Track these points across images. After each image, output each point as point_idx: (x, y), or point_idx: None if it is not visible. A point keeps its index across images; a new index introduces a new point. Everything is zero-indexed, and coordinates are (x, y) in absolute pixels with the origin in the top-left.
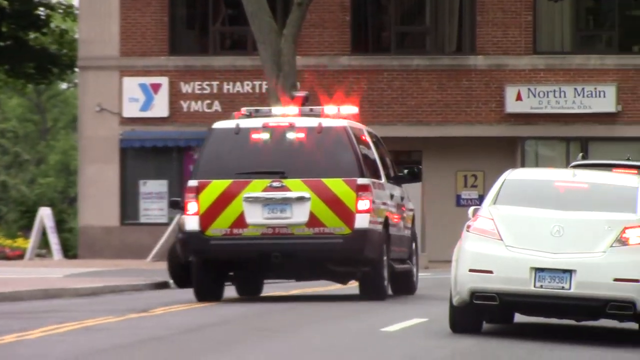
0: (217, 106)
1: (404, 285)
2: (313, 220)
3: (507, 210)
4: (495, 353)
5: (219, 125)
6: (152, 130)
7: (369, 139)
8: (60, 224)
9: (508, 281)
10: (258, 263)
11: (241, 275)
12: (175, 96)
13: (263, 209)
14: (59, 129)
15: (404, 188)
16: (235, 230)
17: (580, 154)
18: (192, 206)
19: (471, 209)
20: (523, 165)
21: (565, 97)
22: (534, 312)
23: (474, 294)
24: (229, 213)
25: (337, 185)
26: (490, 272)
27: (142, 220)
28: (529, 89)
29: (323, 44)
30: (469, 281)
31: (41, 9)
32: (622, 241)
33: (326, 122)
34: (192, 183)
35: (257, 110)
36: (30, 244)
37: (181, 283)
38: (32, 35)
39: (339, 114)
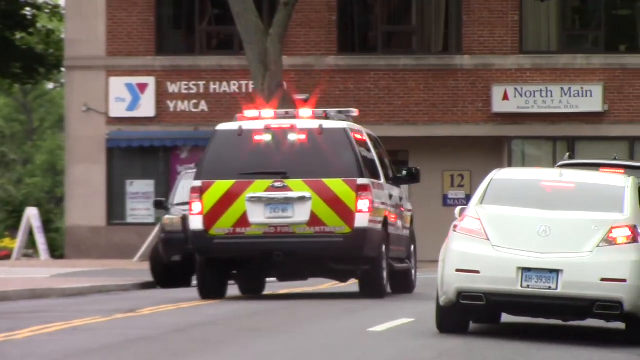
0: (203, 106)
1: (403, 284)
2: (314, 220)
3: (493, 210)
4: (482, 353)
5: (222, 127)
6: (139, 130)
7: (368, 141)
8: (47, 224)
9: (495, 281)
10: (260, 261)
11: (244, 273)
12: (161, 96)
13: (265, 208)
14: (46, 129)
15: (403, 188)
16: (238, 230)
17: (567, 154)
18: (196, 206)
19: (458, 208)
20: (510, 165)
21: (551, 96)
22: (520, 312)
23: (461, 294)
24: (232, 212)
25: (337, 186)
26: (477, 272)
27: (129, 220)
28: (515, 88)
29: (309, 44)
30: (456, 281)
31: (27, 9)
32: (609, 241)
33: (327, 124)
34: (196, 183)
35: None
36: (17, 244)
37: (164, 283)
38: (18, 35)
39: (314, 116)
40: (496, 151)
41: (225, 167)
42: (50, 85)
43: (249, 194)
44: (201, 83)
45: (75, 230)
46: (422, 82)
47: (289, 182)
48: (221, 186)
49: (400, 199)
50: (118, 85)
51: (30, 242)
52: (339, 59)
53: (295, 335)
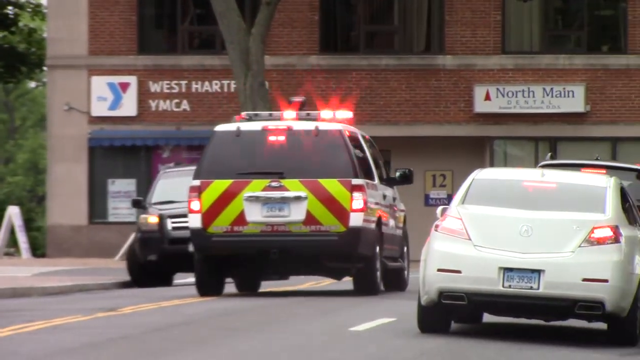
0: (185, 105)
1: (396, 282)
2: (310, 219)
3: (475, 210)
4: (464, 353)
5: (220, 128)
6: (121, 129)
7: (362, 142)
8: (29, 223)
9: (476, 281)
10: (257, 259)
11: (241, 271)
12: (143, 95)
13: (262, 207)
14: (28, 128)
15: (396, 189)
16: (235, 228)
17: (549, 154)
18: (194, 204)
19: (440, 208)
20: (492, 165)
21: (534, 96)
22: (502, 312)
23: (443, 294)
24: (230, 211)
25: (332, 185)
26: (459, 272)
27: (111, 219)
28: (497, 88)
29: (292, 44)
30: (438, 281)
31: (10, 7)
32: (590, 241)
33: (322, 126)
34: (195, 182)
35: (256, 114)
36: None
37: (141, 282)
38: (0, 34)
39: (335, 118)
40: (478, 151)
41: (223, 167)
42: (32, 84)
43: (246, 193)
44: (183, 82)
45: (56, 229)
46: (404, 82)
47: (285, 182)
48: (219, 185)
49: (394, 199)
50: (100, 85)
51: (12, 241)
52: (321, 59)
53: (276, 334)
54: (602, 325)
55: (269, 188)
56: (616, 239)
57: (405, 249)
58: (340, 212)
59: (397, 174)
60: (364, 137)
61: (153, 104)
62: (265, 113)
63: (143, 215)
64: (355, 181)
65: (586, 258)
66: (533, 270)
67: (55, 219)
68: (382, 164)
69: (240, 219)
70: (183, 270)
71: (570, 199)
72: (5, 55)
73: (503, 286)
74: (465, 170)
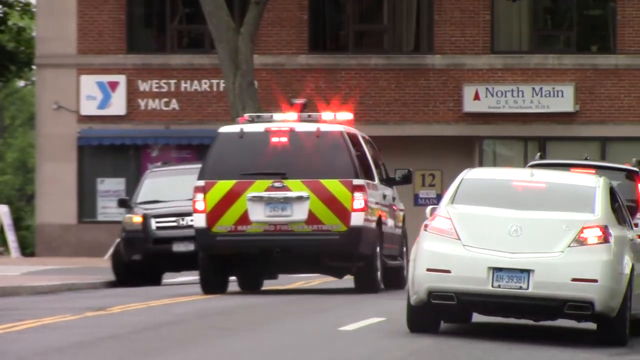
0: (174, 104)
1: (395, 280)
2: (312, 218)
3: (464, 210)
4: (453, 353)
5: (224, 129)
6: (110, 128)
7: (363, 143)
8: (18, 222)
9: (466, 281)
10: (260, 258)
11: (244, 269)
12: (132, 94)
13: (265, 207)
14: (17, 127)
15: (395, 189)
16: (239, 227)
17: (538, 154)
18: (199, 205)
19: (429, 208)
20: (481, 164)
21: (523, 96)
22: (491, 311)
23: (432, 294)
24: (234, 211)
25: (334, 186)
26: (448, 271)
27: (100, 218)
28: (486, 88)
29: (280, 43)
30: (427, 281)
31: None
32: (580, 241)
33: (324, 127)
34: (200, 183)
35: (259, 116)
36: None
37: (125, 282)
38: None
39: (336, 120)
40: (467, 151)
41: (227, 167)
42: (21, 83)
43: (249, 193)
44: (172, 81)
45: (46, 228)
46: (393, 81)
47: (288, 183)
48: (223, 186)
49: (393, 199)
50: (89, 83)
51: (1, 240)
52: (310, 58)
53: (266, 334)
54: (591, 325)
55: (271, 188)
56: (605, 239)
57: (405, 247)
58: (342, 211)
59: (398, 174)
60: (364, 138)
61: (142, 103)
62: (268, 115)
63: (128, 215)
64: (356, 181)
65: (575, 258)
66: (522, 270)
67: (44, 218)
68: (382, 164)
69: (244, 218)
70: (167, 269)
71: (560, 199)
72: None
73: (492, 286)
74: (455, 170)
